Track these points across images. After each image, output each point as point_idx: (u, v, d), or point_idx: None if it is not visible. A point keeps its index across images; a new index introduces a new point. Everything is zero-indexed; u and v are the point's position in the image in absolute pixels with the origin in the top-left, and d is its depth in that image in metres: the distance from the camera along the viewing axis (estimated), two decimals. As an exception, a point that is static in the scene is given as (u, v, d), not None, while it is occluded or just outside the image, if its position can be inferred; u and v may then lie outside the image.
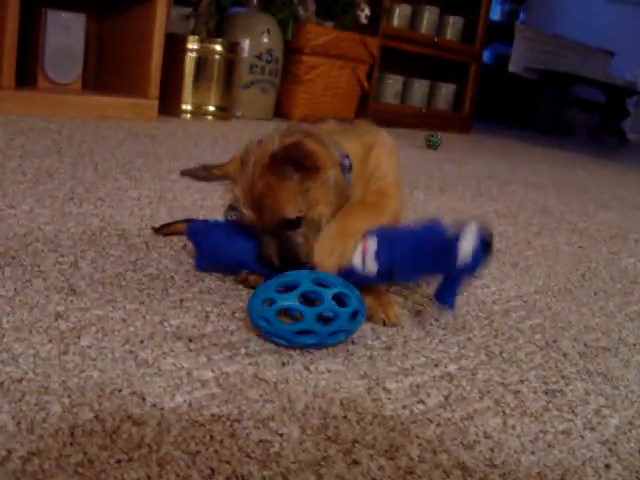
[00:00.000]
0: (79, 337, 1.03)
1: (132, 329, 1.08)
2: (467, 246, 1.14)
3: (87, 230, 1.54)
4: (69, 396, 0.87)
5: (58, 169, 2.11)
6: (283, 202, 1.16)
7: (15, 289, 1.17)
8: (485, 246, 1.16)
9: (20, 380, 0.89)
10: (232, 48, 3.97)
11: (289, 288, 1.08)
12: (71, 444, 0.77)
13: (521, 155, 4.89)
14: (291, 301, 1.06)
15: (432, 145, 4.19)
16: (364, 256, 1.19)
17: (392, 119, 5.21)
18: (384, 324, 1.24)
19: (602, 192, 3.57)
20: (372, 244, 1.19)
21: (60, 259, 1.34)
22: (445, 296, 1.20)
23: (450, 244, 1.15)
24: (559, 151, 5.60)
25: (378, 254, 1.19)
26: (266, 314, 1.06)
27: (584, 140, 7.61)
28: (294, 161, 1.16)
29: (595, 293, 1.68)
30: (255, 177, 1.17)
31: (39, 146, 2.44)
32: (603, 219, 2.76)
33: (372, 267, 1.18)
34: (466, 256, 1.14)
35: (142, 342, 1.04)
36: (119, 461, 0.76)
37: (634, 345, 1.36)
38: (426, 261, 1.19)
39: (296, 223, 1.18)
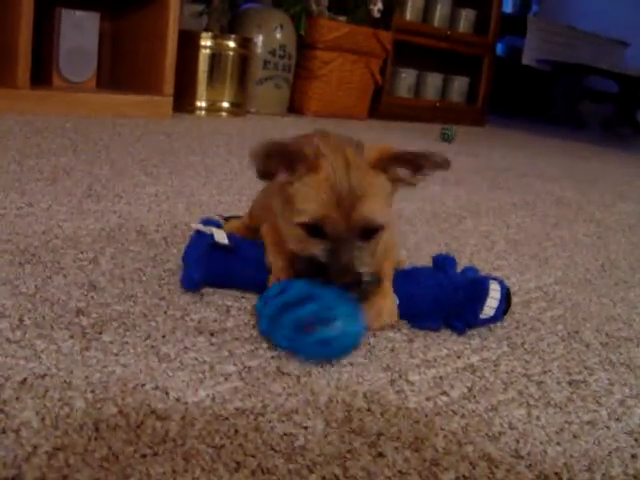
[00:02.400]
0: (101, 333, 1.03)
1: (153, 324, 1.08)
2: (491, 303, 1.20)
3: (106, 227, 1.54)
4: (92, 391, 0.87)
5: (75, 167, 2.12)
6: (377, 206, 1.06)
7: (36, 286, 1.17)
8: (506, 302, 1.23)
9: (43, 376, 0.89)
10: (245, 44, 3.97)
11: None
12: (96, 439, 0.77)
13: (536, 147, 4.87)
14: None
15: (447, 138, 4.18)
16: None
17: (406, 113, 5.20)
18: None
19: (618, 183, 3.55)
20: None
21: (80, 256, 1.34)
22: (457, 324, 1.21)
23: (475, 301, 1.20)
24: (574, 143, 5.57)
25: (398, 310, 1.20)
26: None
27: (598, 131, 7.57)
28: (405, 163, 1.09)
29: (615, 283, 1.67)
30: (352, 176, 1.03)
31: (55, 144, 2.45)
32: (621, 209, 2.74)
33: None
34: (490, 311, 1.20)
35: (164, 337, 1.04)
36: (144, 455, 0.75)
37: (657, 335, 1.35)
38: (448, 313, 1.21)
39: (371, 234, 1.07)
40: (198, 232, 1.28)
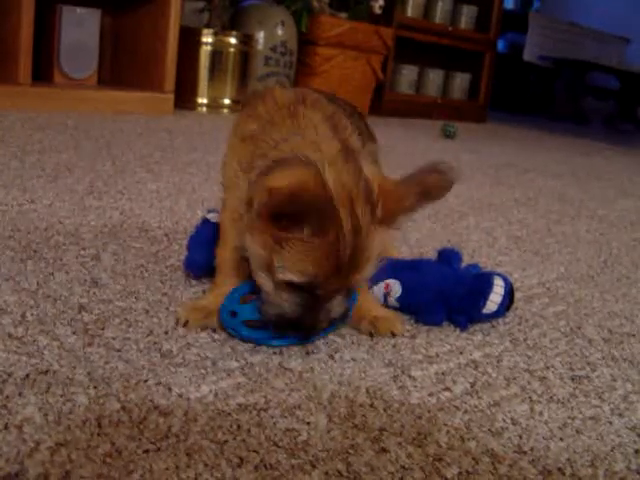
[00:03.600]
0: (103, 329, 1.03)
1: (155, 320, 1.08)
2: (495, 298, 1.21)
3: (107, 223, 1.54)
4: (95, 387, 0.87)
5: (77, 163, 2.11)
6: (374, 265, 0.99)
7: (38, 282, 1.17)
8: (509, 297, 1.24)
9: (46, 372, 0.89)
10: (246, 41, 3.97)
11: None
12: (98, 435, 0.77)
13: (538, 143, 4.86)
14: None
15: (448, 135, 4.18)
16: (386, 297, 1.23)
17: (407, 109, 5.19)
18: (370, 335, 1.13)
19: (620, 179, 3.54)
20: (396, 288, 1.22)
21: (82, 252, 1.34)
22: (460, 319, 1.21)
23: (478, 295, 1.21)
24: (576, 139, 5.56)
25: (401, 299, 1.22)
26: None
27: (600, 128, 7.56)
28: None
29: (618, 279, 1.66)
30: (359, 240, 0.94)
31: (57, 141, 2.44)
32: (623, 206, 2.74)
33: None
34: (493, 306, 1.21)
35: (166, 333, 1.04)
36: (147, 451, 0.75)
37: (659, 331, 1.35)
38: (451, 306, 1.21)
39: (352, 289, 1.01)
40: (204, 220, 1.30)
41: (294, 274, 0.94)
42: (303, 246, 0.92)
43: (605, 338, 1.27)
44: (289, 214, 0.92)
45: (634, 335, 1.31)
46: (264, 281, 0.98)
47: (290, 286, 0.96)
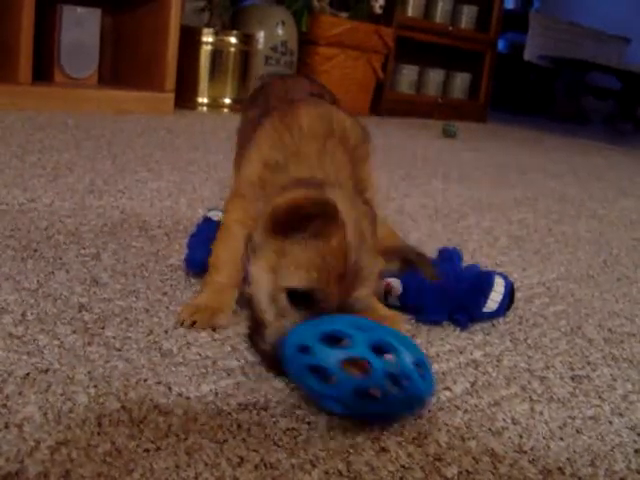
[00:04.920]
0: (103, 328, 1.03)
1: (156, 319, 1.08)
2: (495, 297, 1.22)
3: (108, 222, 1.54)
4: (95, 386, 0.87)
5: (77, 163, 2.11)
6: (370, 292, 0.98)
7: (38, 281, 1.17)
8: (510, 297, 1.25)
9: (46, 371, 0.89)
10: (247, 40, 3.97)
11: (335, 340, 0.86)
12: (99, 434, 0.77)
13: (538, 143, 4.86)
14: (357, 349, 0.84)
15: (449, 134, 4.18)
16: (387, 295, 1.22)
17: (408, 109, 5.19)
18: None
19: (620, 179, 3.54)
20: (397, 286, 1.22)
21: (82, 251, 1.34)
22: (460, 318, 1.21)
23: (479, 294, 1.22)
24: (576, 139, 5.56)
25: (402, 297, 1.22)
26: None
27: (601, 128, 7.56)
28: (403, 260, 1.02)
29: (618, 279, 1.67)
30: (363, 254, 0.93)
31: (57, 140, 2.44)
32: (623, 206, 2.74)
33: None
34: (493, 305, 1.22)
35: (166, 332, 1.04)
36: (147, 450, 0.75)
37: (660, 331, 1.35)
38: (452, 305, 1.21)
39: (350, 312, 0.94)
40: (205, 219, 1.32)
41: (295, 278, 0.91)
42: (305, 251, 0.92)
43: (605, 338, 1.27)
44: (290, 223, 0.92)
45: (634, 335, 1.31)
46: (267, 310, 0.96)
47: (293, 305, 0.93)
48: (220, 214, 1.30)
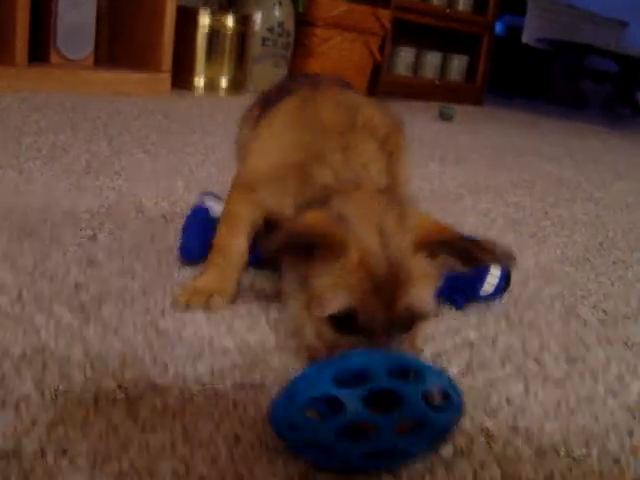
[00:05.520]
0: (100, 307, 1.03)
1: (152, 299, 1.08)
2: (491, 280, 1.22)
3: (104, 203, 1.54)
4: (91, 365, 0.87)
5: (73, 144, 2.11)
6: (425, 291, 0.85)
7: (34, 262, 1.17)
8: (506, 280, 1.25)
9: (42, 350, 0.89)
10: (244, 21, 3.95)
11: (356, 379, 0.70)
12: (95, 412, 0.78)
13: (535, 126, 4.85)
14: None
15: (446, 117, 4.17)
16: None
17: (405, 91, 5.18)
18: None
19: (617, 162, 3.54)
20: None
21: (78, 232, 1.34)
22: (457, 298, 1.21)
23: (475, 277, 1.21)
24: (573, 122, 5.56)
25: None
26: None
27: (598, 111, 7.55)
28: (458, 253, 0.89)
29: (614, 262, 1.67)
30: (392, 255, 0.83)
31: (53, 122, 2.44)
32: (619, 188, 2.74)
33: None
34: (489, 288, 1.22)
35: (162, 312, 1.04)
36: (143, 428, 0.76)
37: (654, 313, 1.35)
38: (449, 286, 1.20)
39: (410, 324, 0.85)
40: (199, 207, 1.28)
41: (325, 305, 0.83)
42: (326, 276, 0.84)
43: (600, 319, 1.28)
44: (296, 248, 0.87)
45: (629, 317, 1.31)
46: (308, 334, 0.88)
47: (337, 327, 0.83)
48: (214, 201, 1.29)
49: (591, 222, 2.06)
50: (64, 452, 0.71)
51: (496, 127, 4.42)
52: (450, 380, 0.73)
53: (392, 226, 0.85)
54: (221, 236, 1.12)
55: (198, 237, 1.22)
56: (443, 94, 5.40)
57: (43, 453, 0.70)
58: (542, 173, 2.84)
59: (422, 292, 0.84)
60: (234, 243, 1.11)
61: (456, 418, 0.75)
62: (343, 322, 0.82)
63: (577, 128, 5.14)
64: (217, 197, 1.32)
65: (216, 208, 1.26)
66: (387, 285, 0.81)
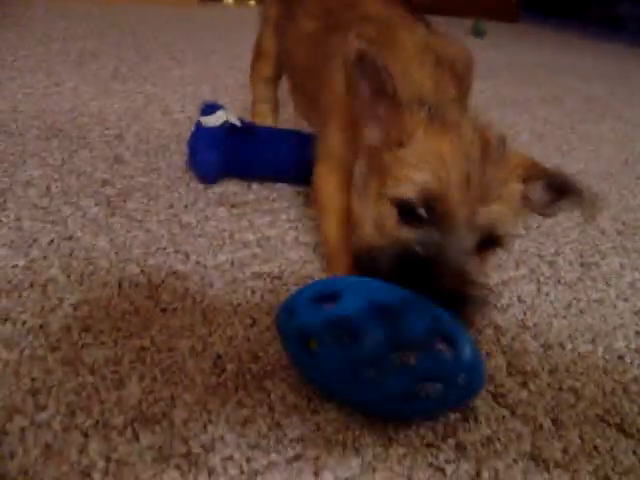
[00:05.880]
0: (125, 201, 1.06)
1: (176, 195, 1.11)
2: None
3: (132, 106, 1.56)
4: (116, 253, 0.90)
5: (101, 50, 2.11)
6: (510, 213, 0.75)
7: (63, 158, 1.20)
8: None
9: (69, 238, 0.92)
10: None
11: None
12: (118, 295, 0.81)
13: (570, 46, 4.75)
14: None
15: (478, 32, 4.10)
16: None
17: (437, 6, 5.08)
18: None
19: (652, 83, 3.48)
20: None
21: (105, 132, 1.36)
22: None
23: None
24: (609, 44, 5.43)
25: None
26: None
27: (636, 34, 7.36)
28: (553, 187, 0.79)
29: (637, 177, 1.66)
30: (489, 163, 0.73)
31: (82, 29, 2.44)
32: (651, 108, 2.70)
33: None
34: None
35: (186, 207, 1.07)
36: (164, 310, 0.79)
37: (673, 225, 1.36)
38: None
39: (489, 246, 0.76)
40: (204, 127, 1.17)
41: (403, 185, 0.73)
42: (415, 147, 0.74)
43: (618, 230, 1.29)
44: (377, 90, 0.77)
45: (648, 228, 1.32)
46: (369, 221, 0.77)
47: (404, 215, 0.73)
48: (222, 114, 1.16)
49: (618, 139, 2.04)
50: (88, 329, 0.74)
51: (530, 45, 4.33)
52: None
53: (492, 140, 0.76)
54: (326, 239, 0.93)
55: (215, 150, 1.15)
56: (476, 9, 5.29)
57: (68, 329, 0.74)
58: (573, 90, 2.80)
59: (507, 211, 0.74)
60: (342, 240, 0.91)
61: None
62: (412, 210, 0.72)
63: (612, 49, 5.03)
64: (222, 107, 1.20)
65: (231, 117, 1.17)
66: (478, 186, 0.71)
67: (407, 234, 0.72)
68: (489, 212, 0.71)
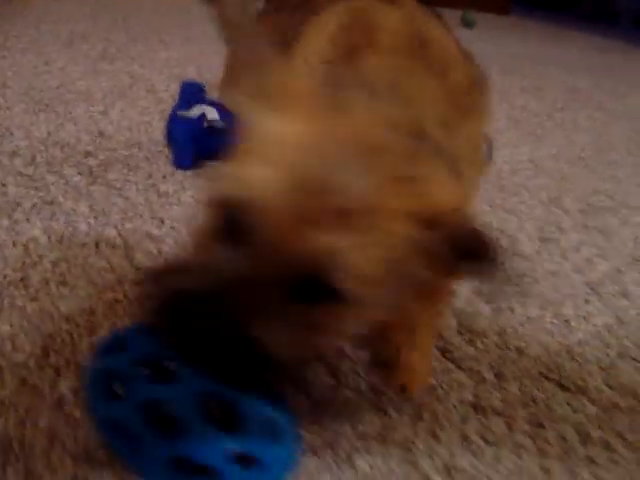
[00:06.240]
0: (106, 171, 1.11)
1: (155, 166, 1.16)
2: None
3: (117, 84, 1.61)
4: (95, 217, 0.96)
5: (92, 32, 2.16)
6: (365, 253, 0.50)
7: (48, 131, 1.25)
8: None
9: (51, 202, 0.98)
10: None
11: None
12: (96, 254, 0.87)
13: (559, 39, 4.80)
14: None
15: (467, 23, 4.14)
16: None
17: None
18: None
19: (636, 76, 3.53)
20: None
21: (91, 108, 1.41)
22: None
23: None
24: (601, 38, 5.48)
25: None
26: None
27: (629, 29, 7.41)
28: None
29: (608, 163, 1.71)
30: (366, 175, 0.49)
31: (73, 12, 2.48)
32: (632, 101, 2.75)
33: None
34: None
35: (164, 177, 1.12)
36: (138, 268, 0.84)
37: (637, 208, 1.41)
38: None
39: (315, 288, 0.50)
40: (182, 119, 1.18)
41: (216, 189, 0.54)
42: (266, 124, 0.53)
43: (582, 209, 1.34)
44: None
45: (611, 209, 1.37)
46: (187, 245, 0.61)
47: (213, 238, 0.55)
48: (198, 110, 1.19)
49: (594, 128, 2.09)
50: (65, 283, 0.80)
51: (518, 36, 4.38)
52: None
53: (407, 154, 0.53)
54: None
55: (191, 149, 1.17)
56: (468, 1, 5.34)
57: (47, 282, 0.79)
58: (556, 82, 2.85)
59: (360, 256, 0.49)
60: None
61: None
62: (229, 226, 0.52)
63: (602, 43, 5.08)
64: (199, 85, 1.25)
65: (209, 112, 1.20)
66: (325, 203, 0.48)
67: (213, 251, 0.54)
68: (324, 241, 0.48)
